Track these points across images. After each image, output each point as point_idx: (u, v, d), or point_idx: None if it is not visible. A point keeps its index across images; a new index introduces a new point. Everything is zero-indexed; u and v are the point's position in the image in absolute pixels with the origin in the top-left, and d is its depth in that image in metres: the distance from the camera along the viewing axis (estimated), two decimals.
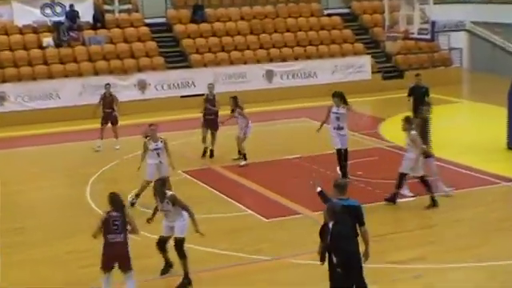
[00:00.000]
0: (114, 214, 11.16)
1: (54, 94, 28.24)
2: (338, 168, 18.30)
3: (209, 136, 20.67)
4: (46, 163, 21.90)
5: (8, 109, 27.59)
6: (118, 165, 20.73)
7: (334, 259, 9.84)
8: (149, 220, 12.61)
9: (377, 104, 29.50)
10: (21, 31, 30.35)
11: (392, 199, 16.15)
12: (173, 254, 12.43)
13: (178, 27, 32.23)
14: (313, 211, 15.30)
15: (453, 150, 20.11)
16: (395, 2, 24.54)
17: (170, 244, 12.42)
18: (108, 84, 23.26)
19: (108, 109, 22.72)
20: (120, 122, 22.98)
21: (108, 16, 31.75)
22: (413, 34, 23.38)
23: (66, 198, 17.73)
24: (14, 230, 15.64)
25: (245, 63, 31.42)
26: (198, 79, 29.61)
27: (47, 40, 29.85)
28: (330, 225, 9.82)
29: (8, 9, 30.56)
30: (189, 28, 32.20)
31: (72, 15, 30.45)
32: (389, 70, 33.21)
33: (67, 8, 30.59)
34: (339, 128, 17.91)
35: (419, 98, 21.03)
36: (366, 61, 32.54)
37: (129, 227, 11.29)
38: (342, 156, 18.12)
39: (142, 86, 29.37)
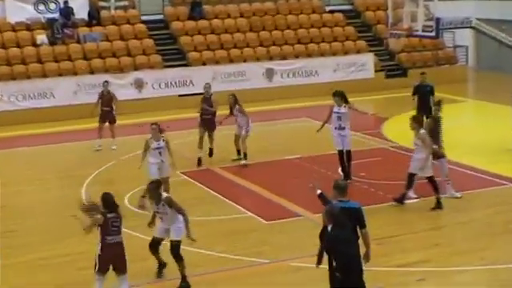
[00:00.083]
0: (112, 215, 11.16)
1: (49, 93, 27.96)
2: (339, 169, 18.16)
3: (206, 138, 20.33)
4: (41, 164, 21.79)
5: (1, 108, 27.23)
6: (114, 165, 20.61)
7: (334, 263, 9.66)
8: (150, 224, 12.59)
9: (380, 103, 29.36)
10: (14, 28, 30.05)
11: (400, 200, 16.04)
12: (168, 257, 12.31)
13: (176, 24, 31.99)
14: (313, 213, 15.12)
15: (458, 150, 20.03)
16: None
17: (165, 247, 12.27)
18: (106, 81, 23.14)
19: (106, 107, 22.51)
20: (117, 122, 22.78)
21: (103, 13, 31.50)
22: (417, 31, 23.21)
23: (62, 200, 17.57)
24: (13, 231, 15.60)
25: (244, 61, 31.21)
26: (197, 78, 29.38)
27: (41, 37, 29.58)
28: (329, 228, 9.62)
29: (0, 5, 30.31)
30: (187, 25, 31.97)
31: (66, 12, 30.23)
32: (392, 68, 33.07)
33: (61, 4, 30.39)
34: (340, 128, 17.66)
35: (424, 96, 21.22)
36: (369, 59, 32.39)
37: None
38: (344, 157, 17.87)
39: (139, 84, 29.11)
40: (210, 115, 20.26)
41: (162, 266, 12.61)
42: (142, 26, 31.36)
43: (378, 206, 16.03)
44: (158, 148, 16.07)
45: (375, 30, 34.21)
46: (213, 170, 19.66)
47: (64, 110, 27.29)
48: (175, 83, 29.60)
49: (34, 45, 29.38)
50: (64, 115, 26.93)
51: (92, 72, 28.94)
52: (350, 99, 17.97)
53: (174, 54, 31.11)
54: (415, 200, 16.21)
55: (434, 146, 15.81)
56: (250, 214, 16.03)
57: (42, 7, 30.52)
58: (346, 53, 32.53)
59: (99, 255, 11.15)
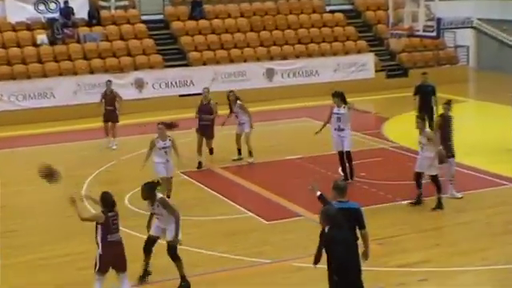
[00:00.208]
0: (112, 213, 11.19)
1: (49, 93, 27.91)
2: (339, 169, 18.07)
3: (204, 143, 20.07)
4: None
5: (1, 108, 27.18)
6: (114, 165, 20.55)
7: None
8: (148, 227, 12.53)
9: (380, 103, 29.27)
10: (14, 28, 29.99)
11: (417, 202, 15.93)
12: (166, 258, 12.20)
13: (176, 24, 31.92)
14: (314, 213, 14.85)
15: (459, 150, 19.64)
16: None
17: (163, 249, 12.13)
18: (109, 81, 23.16)
19: (109, 106, 22.53)
20: (119, 122, 22.79)
21: (104, 12, 31.43)
22: (418, 31, 23.12)
23: (62, 200, 17.21)
24: (13, 231, 15.55)
25: (245, 61, 31.15)
26: (197, 77, 29.41)
27: (41, 37, 29.53)
28: (326, 229, 9.57)
29: (1, 5, 30.27)
30: (187, 25, 31.91)
31: (66, 12, 30.18)
32: (393, 68, 33.01)
33: (61, 4, 30.34)
34: (340, 129, 17.53)
35: (425, 96, 21.16)
36: (370, 59, 32.33)
37: None
38: (344, 158, 17.76)
39: (139, 84, 29.05)
40: (209, 121, 19.91)
41: (146, 272, 12.44)
42: (143, 26, 31.28)
43: (379, 206, 15.98)
44: (164, 147, 16.08)
45: (376, 29, 34.12)
46: (213, 170, 19.60)
47: (64, 109, 27.25)
48: (175, 83, 29.54)
49: (35, 45, 29.32)
50: (64, 115, 26.89)
51: (92, 72, 28.86)
52: (350, 99, 17.88)
53: (174, 54, 31.03)
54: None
55: (440, 147, 15.72)
56: (250, 214, 15.96)
57: (42, 7, 30.46)
58: (346, 53, 32.44)
59: (100, 255, 11.13)
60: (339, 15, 34.13)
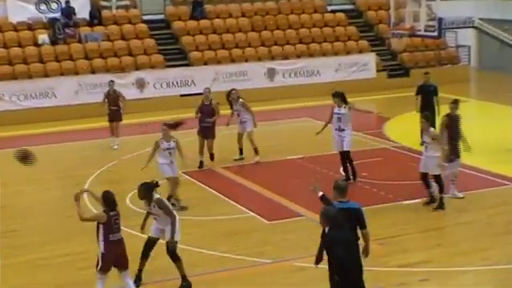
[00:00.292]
0: (114, 212, 11.21)
1: (50, 93, 27.91)
2: (341, 169, 18.04)
3: (206, 145, 19.91)
4: (43, 164, 21.20)
5: (2, 108, 27.20)
6: (116, 165, 20.55)
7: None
8: (141, 229, 12.53)
9: (382, 103, 29.29)
10: (15, 28, 30.00)
11: (431, 201, 15.84)
12: (166, 259, 12.17)
13: (177, 24, 31.91)
14: (316, 213, 14.73)
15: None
16: None
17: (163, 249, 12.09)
18: (112, 81, 23.14)
19: (114, 106, 22.52)
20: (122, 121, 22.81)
21: (105, 12, 31.44)
22: (419, 31, 23.13)
23: (63, 200, 17.42)
24: (13, 231, 15.53)
25: (246, 61, 31.12)
26: (198, 77, 29.41)
27: (42, 37, 29.54)
28: (326, 229, 9.55)
29: (2, 5, 30.24)
30: (188, 25, 31.89)
31: (67, 11, 30.17)
32: (394, 68, 32.98)
33: (63, 4, 30.36)
34: (340, 130, 17.46)
35: (427, 96, 21.05)
36: (371, 58, 32.28)
37: None
38: (345, 158, 17.69)
39: (141, 84, 29.04)
40: (210, 123, 19.63)
41: (139, 277, 12.21)
42: (144, 26, 31.26)
43: (380, 206, 15.94)
44: (168, 149, 15.99)
45: (377, 29, 34.07)
46: (214, 170, 19.56)
47: (65, 109, 27.26)
48: (177, 83, 29.52)
49: (36, 44, 29.32)
50: (65, 115, 26.89)
51: (93, 72, 28.86)
52: (351, 99, 17.84)
53: (175, 54, 31.01)
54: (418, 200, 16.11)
55: (445, 147, 15.72)
56: (251, 213, 15.93)
57: (43, 7, 30.47)
58: (347, 52, 32.40)
59: (102, 254, 11.14)
60: (340, 15, 34.09)
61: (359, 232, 10.38)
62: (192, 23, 31.87)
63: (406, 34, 24.25)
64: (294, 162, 20.03)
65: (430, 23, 22.53)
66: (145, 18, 31.87)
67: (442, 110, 19.24)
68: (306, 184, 16.28)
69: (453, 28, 25.85)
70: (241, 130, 20.08)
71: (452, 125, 16.31)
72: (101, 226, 11.14)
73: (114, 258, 11.18)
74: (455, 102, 16.67)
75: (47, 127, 25.74)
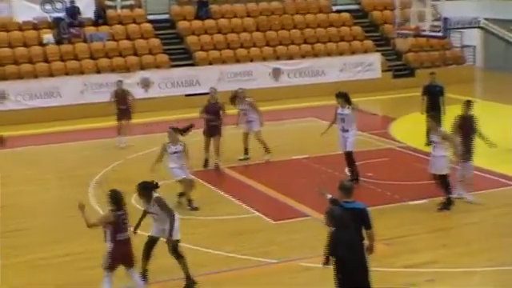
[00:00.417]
0: (121, 212, 11.19)
1: (55, 93, 27.92)
2: (346, 169, 18.01)
3: (212, 144, 19.77)
4: (47, 163, 21.69)
5: (8, 107, 27.24)
6: (121, 165, 20.52)
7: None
8: (135, 230, 12.23)
9: (387, 103, 29.25)
10: (20, 28, 30.01)
11: (446, 207, 15.70)
12: (168, 258, 12.19)
13: (182, 24, 31.89)
14: (321, 213, 14.74)
15: None
16: None
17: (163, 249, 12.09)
18: (120, 80, 23.16)
19: (123, 105, 22.50)
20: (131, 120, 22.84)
21: (110, 12, 31.43)
22: (424, 31, 23.22)
23: (67, 199, 17.40)
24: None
25: (251, 61, 31.11)
26: (203, 77, 29.42)
27: (47, 37, 29.54)
28: (332, 229, 9.56)
29: (7, 5, 30.28)
30: (193, 25, 31.88)
31: (72, 11, 30.20)
32: (399, 68, 32.94)
33: (68, 4, 30.39)
34: (344, 130, 17.41)
35: (434, 97, 20.94)
36: (376, 59, 32.26)
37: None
38: (349, 159, 17.64)
39: (146, 84, 29.04)
40: (216, 122, 19.56)
41: (145, 278, 12.18)
42: (149, 26, 31.25)
43: (386, 206, 15.92)
44: (176, 152, 15.81)
45: (382, 29, 34.05)
46: (220, 170, 19.52)
47: (71, 109, 27.27)
48: (182, 83, 29.53)
49: (41, 44, 29.32)
50: (71, 114, 26.89)
51: (99, 71, 28.88)
52: (356, 99, 17.82)
53: (180, 54, 30.99)
54: (425, 200, 16.08)
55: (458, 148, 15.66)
56: (257, 213, 15.92)
57: (48, 7, 30.48)
58: (352, 52, 32.39)
59: (109, 252, 11.14)
60: (346, 15, 34.07)
61: (364, 232, 10.37)
62: (197, 23, 31.86)
63: (412, 34, 24.29)
64: (299, 162, 20.02)
65: (436, 23, 22.60)
66: (150, 17, 31.85)
67: (449, 111, 19.25)
68: (311, 184, 16.38)
69: (458, 28, 25.88)
70: (247, 130, 20.04)
71: (465, 125, 16.18)
72: (108, 225, 11.12)
73: (121, 256, 11.17)
74: (468, 103, 16.53)
75: (52, 127, 25.74)
